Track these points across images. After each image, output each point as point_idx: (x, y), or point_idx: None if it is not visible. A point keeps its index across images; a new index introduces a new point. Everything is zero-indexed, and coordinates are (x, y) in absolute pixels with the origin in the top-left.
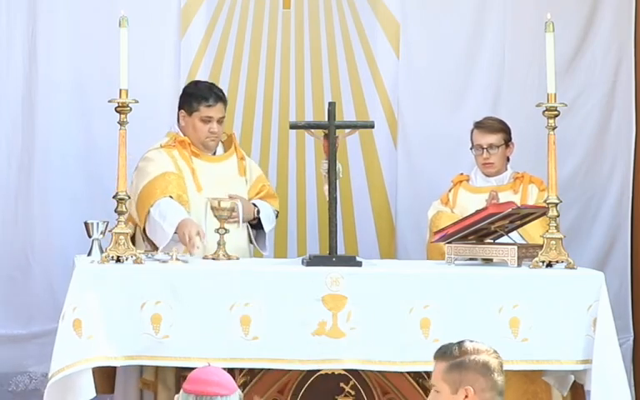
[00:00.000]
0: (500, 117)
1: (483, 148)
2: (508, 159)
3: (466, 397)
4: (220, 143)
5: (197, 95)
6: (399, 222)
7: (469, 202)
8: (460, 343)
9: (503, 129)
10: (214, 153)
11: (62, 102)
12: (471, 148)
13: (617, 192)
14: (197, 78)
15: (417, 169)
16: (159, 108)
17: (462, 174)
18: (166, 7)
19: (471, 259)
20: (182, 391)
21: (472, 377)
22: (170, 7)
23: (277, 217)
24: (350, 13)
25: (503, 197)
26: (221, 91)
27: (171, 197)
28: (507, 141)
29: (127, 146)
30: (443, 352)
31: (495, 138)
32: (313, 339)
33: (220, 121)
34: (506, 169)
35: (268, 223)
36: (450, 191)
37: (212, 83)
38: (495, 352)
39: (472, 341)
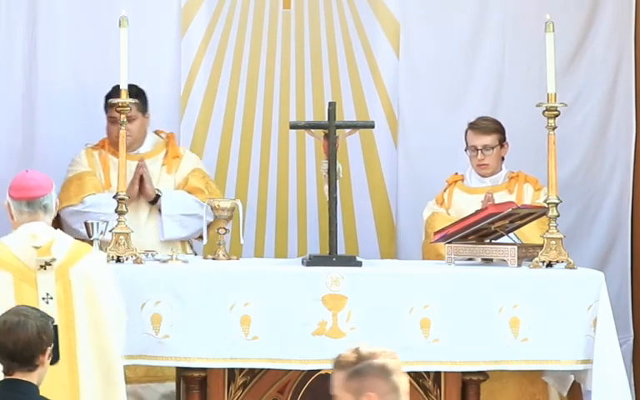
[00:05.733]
0: (498, 117)
1: (478, 149)
2: (503, 159)
3: None
4: (162, 142)
5: (105, 97)
6: (399, 222)
7: (464, 203)
8: (356, 349)
9: (498, 129)
10: (138, 151)
11: (62, 103)
12: (465, 149)
13: (617, 192)
14: (196, 78)
15: (417, 169)
16: (159, 108)
17: (456, 174)
18: (166, 6)
19: (470, 259)
20: (10, 198)
21: (373, 383)
22: (170, 6)
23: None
24: (350, 13)
25: (499, 197)
26: (131, 88)
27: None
28: (502, 141)
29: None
30: (340, 362)
31: (490, 139)
32: (313, 339)
33: (128, 119)
34: (501, 169)
35: (170, 207)
36: (445, 191)
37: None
38: (392, 352)
39: (367, 345)
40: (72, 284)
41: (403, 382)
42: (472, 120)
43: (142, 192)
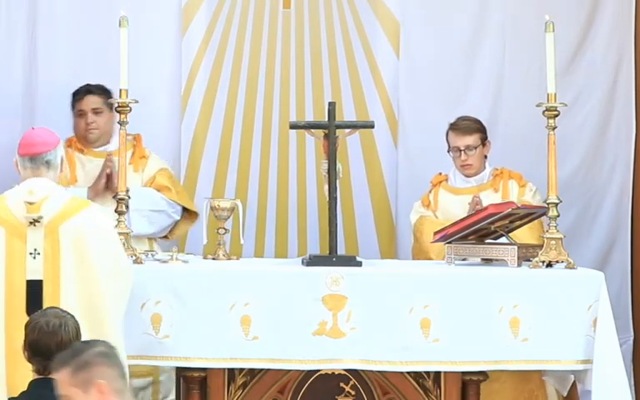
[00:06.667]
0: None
1: (460, 150)
2: (486, 157)
3: (100, 392)
4: (129, 142)
5: (73, 94)
6: (399, 222)
7: (450, 204)
8: (74, 346)
9: (479, 129)
10: (105, 149)
11: (62, 102)
12: (448, 150)
13: (617, 192)
14: (196, 78)
15: (417, 169)
16: (159, 108)
17: (440, 174)
18: (166, 6)
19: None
20: (18, 155)
21: (100, 370)
22: (170, 6)
23: (183, 211)
24: (350, 13)
25: (484, 196)
26: (97, 85)
27: None
28: (484, 140)
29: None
30: (61, 360)
31: (471, 139)
32: (313, 339)
33: (95, 111)
34: (484, 168)
35: (137, 202)
36: (430, 192)
37: (97, 85)
38: (104, 342)
39: (83, 341)
40: (60, 241)
41: (121, 368)
42: (452, 121)
43: (109, 188)
